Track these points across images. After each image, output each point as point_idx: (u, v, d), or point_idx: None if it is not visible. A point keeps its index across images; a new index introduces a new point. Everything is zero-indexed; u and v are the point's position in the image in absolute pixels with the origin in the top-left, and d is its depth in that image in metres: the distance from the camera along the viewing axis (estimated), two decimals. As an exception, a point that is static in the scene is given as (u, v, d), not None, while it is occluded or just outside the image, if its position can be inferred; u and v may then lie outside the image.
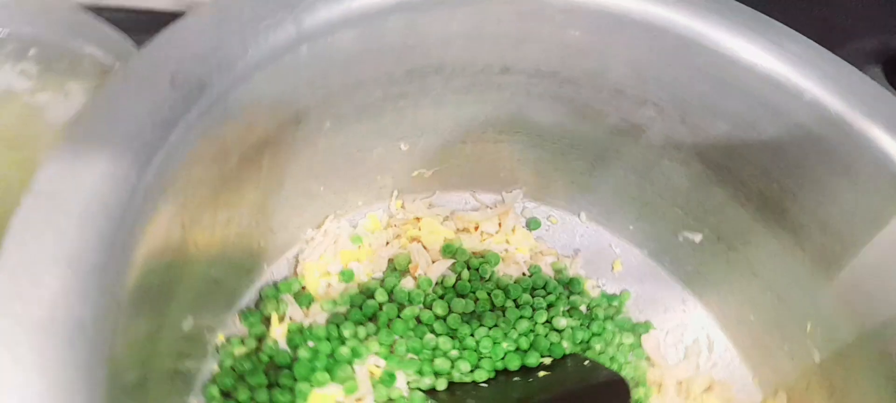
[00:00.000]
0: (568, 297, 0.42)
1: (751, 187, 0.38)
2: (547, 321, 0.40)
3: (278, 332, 0.35)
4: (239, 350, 0.34)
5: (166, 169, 0.23)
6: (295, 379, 0.33)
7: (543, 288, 0.42)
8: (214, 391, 0.33)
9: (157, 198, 0.23)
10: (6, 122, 0.39)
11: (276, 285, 0.38)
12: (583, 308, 0.42)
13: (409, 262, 0.40)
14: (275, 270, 0.39)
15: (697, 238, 0.42)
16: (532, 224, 0.45)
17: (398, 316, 0.38)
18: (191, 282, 0.29)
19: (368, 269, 0.40)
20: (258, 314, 0.36)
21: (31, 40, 0.43)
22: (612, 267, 0.45)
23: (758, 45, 0.35)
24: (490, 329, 0.39)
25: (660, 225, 0.44)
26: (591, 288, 0.44)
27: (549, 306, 0.41)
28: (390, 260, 0.41)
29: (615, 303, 0.44)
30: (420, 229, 0.42)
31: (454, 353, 0.37)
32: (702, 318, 0.44)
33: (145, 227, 0.22)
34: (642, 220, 0.44)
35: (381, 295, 0.38)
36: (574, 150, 0.42)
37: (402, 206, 0.43)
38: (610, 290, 0.45)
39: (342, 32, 0.32)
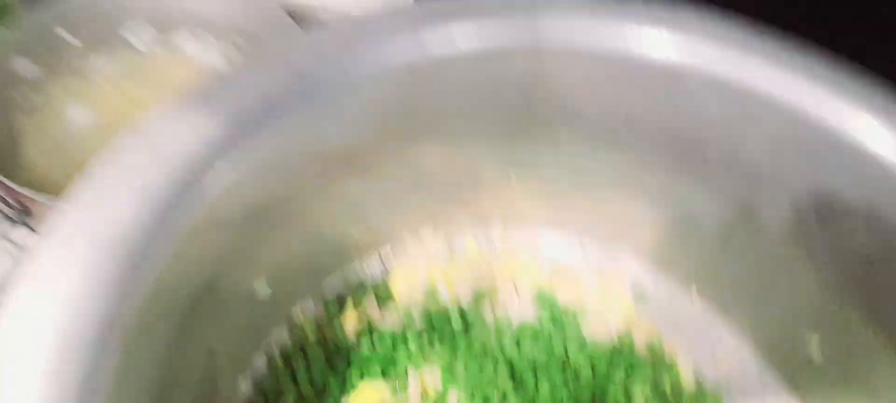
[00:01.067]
0: (653, 373, 0.39)
1: (889, 309, 0.33)
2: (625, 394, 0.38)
3: (350, 322, 0.37)
4: (309, 326, 0.37)
5: (269, 145, 0.26)
6: (349, 366, 0.35)
7: (629, 357, 0.40)
8: (276, 353, 0.36)
9: (252, 168, 0.26)
10: (185, 83, 0.47)
11: (362, 281, 0.40)
12: (667, 388, 0.39)
13: (495, 296, 0.41)
14: (363, 263, 0.41)
15: (816, 349, 0.38)
16: (639, 298, 0.43)
17: (467, 342, 0.38)
18: (273, 249, 0.32)
19: (454, 291, 0.40)
20: (333, 300, 0.38)
21: (239, 29, 0.50)
22: (714, 357, 0.41)
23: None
24: (555, 385, 0.37)
25: (776, 326, 0.39)
26: (685, 370, 0.41)
27: (628, 377, 0.39)
28: (477, 291, 0.41)
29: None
30: (517, 267, 0.42)
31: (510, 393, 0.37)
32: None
33: (227, 191, 0.25)
34: (758, 315, 0.40)
35: (456, 322, 0.39)
36: (694, 224, 0.40)
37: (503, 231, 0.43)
38: (708, 377, 0.41)
39: (464, 61, 0.33)
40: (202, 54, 0.49)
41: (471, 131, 0.37)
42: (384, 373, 0.36)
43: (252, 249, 0.30)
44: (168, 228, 0.23)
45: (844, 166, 0.32)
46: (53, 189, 0.41)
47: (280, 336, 0.37)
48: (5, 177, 0.36)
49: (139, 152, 0.23)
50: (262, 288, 0.33)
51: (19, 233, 0.40)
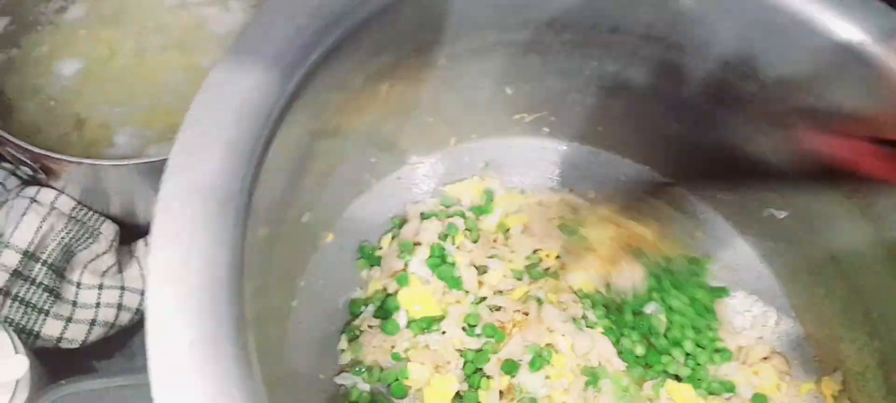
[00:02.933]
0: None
1: (844, 173, 0.39)
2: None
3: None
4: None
5: (305, 83, 0.29)
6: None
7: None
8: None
9: (295, 106, 0.28)
10: (177, 32, 0.47)
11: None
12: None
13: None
14: (382, 187, 0.44)
15: (782, 215, 0.44)
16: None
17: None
18: (312, 182, 0.35)
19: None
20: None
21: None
22: (694, 232, 0.47)
23: (868, 32, 0.35)
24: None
25: (747, 197, 0.45)
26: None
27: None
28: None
29: (696, 267, 0.46)
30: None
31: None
32: (774, 292, 0.45)
33: (285, 128, 0.28)
34: (731, 191, 0.46)
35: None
36: (672, 114, 0.44)
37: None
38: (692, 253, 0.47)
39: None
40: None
41: (470, 49, 0.40)
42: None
43: (300, 182, 0.33)
44: (251, 175, 0.25)
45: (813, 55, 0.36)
46: (58, 144, 0.42)
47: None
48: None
49: (216, 111, 0.25)
50: (306, 217, 0.36)
51: (44, 194, 0.41)
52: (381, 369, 0.39)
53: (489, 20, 0.39)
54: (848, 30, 0.36)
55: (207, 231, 0.23)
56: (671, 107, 0.44)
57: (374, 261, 0.42)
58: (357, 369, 0.39)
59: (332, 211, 0.41)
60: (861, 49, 0.35)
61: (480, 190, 0.46)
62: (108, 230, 0.43)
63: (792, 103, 0.39)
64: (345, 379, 0.39)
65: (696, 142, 0.44)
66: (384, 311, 0.40)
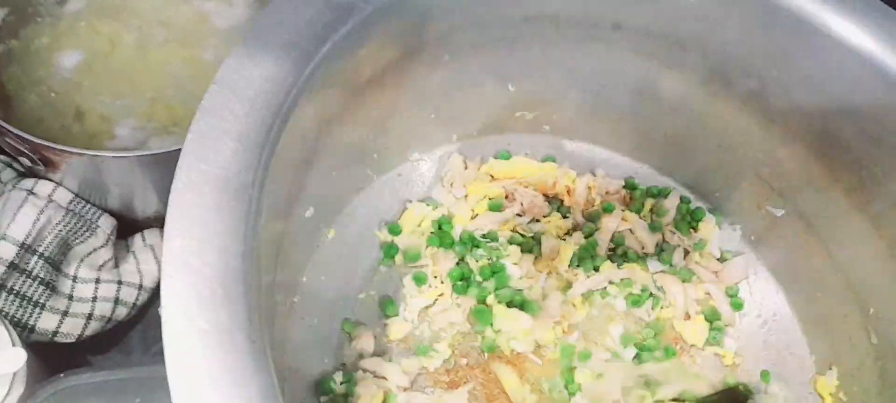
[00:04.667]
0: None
1: (842, 170, 0.40)
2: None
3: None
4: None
5: (315, 76, 0.29)
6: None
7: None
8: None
9: (305, 99, 0.28)
10: (180, 24, 0.47)
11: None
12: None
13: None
14: (383, 183, 0.44)
15: (780, 213, 0.44)
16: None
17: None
18: (316, 176, 0.35)
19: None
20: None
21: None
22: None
23: (867, 31, 0.36)
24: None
25: (745, 195, 0.45)
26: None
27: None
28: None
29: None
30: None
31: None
32: (770, 289, 0.46)
33: (294, 121, 0.28)
34: (728, 188, 0.46)
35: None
36: (672, 110, 0.44)
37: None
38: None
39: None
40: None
41: (474, 45, 0.40)
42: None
43: (305, 177, 0.33)
44: (264, 167, 0.25)
45: (813, 52, 0.37)
46: (59, 136, 0.41)
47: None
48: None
49: (229, 101, 0.25)
50: (309, 213, 0.35)
51: (42, 186, 0.40)
52: None
53: (492, 15, 0.39)
54: (848, 28, 0.36)
55: (221, 221, 0.23)
56: (672, 103, 0.44)
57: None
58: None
59: (334, 207, 0.41)
60: (861, 48, 0.36)
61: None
62: (106, 224, 0.42)
63: (792, 100, 0.39)
64: None
65: (695, 139, 0.45)
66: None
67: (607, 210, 0.47)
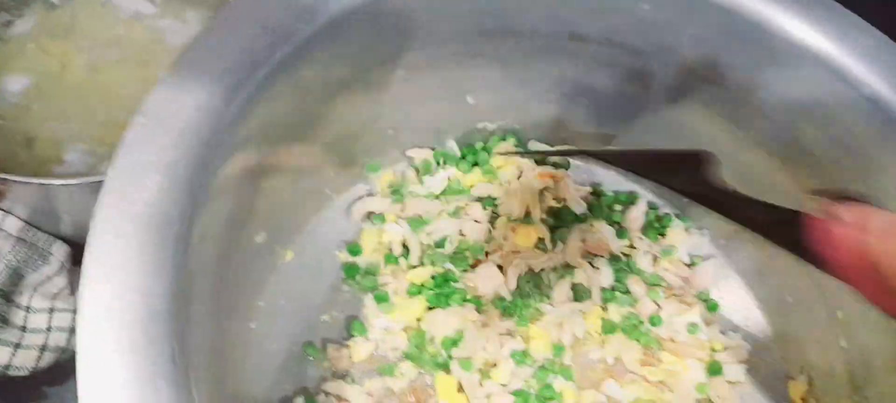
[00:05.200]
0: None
1: (807, 173, 0.39)
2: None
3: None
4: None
5: (252, 102, 0.28)
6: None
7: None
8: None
9: (242, 127, 0.27)
10: (134, 43, 0.46)
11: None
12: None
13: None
14: (343, 201, 0.44)
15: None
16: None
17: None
18: (266, 201, 0.34)
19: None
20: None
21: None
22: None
23: (826, 35, 0.36)
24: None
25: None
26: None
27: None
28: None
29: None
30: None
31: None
32: (740, 293, 0.45)
33: (229, 149, 0.27)
34: (697, 191, 0.45)
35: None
36: (634, 119, 0.44)
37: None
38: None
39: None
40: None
41: (430, 60, 0.39)
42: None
43: (252, 202, 0.32)
44: (193, 199, 0.24)
45: (773, 58, 0.36)
46: (7, 163, 0.40)
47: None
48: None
49: (155, 134, 0.24)
50: (260, 237, 0.35)
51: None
52: None
53: (449, 32, 0.38)
54: (806, 32, 0.36)
55: (143, 261, 0.22)
56: (635, 111, 0.43)
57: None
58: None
59: (291, 229, 0.40)
60: (818, 49, 0.35)
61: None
62: (59, 251, 0.41)
63: (754, 105, 0.39)
64: None
65: (660, 144, 0.44)
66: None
67: (578, 220, 0.46)
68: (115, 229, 0.22)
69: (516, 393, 0.40)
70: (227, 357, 0.34)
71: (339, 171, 0.42)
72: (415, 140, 0.44)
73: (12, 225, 0.40)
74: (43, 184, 0.36)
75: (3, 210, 0.40)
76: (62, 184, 0.36)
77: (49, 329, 0.40)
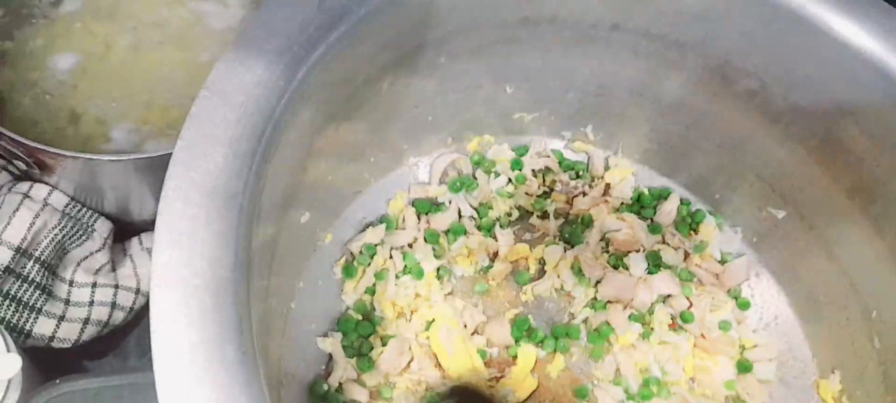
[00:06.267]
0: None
1: (844, 171, 0.39)
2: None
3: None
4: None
5: (308, 80, 0.28)
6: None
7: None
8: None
9: (298, 103, 0.28)
10: (175, 26, 0.46)
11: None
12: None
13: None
14: (381, 187, 0.44)
15: (781, 214, 0.44)
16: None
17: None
18: (312, 181, 0.35)
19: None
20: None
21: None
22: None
23: (870, 32, 0.35)
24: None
25: (745, 197, 0.45)
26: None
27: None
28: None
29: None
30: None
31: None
32: (772, 291, 0.45)
33: (287, 126, 0.27)
34: (729, 190, 0.46)
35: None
36: (671, 111, 0.44)
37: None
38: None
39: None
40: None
41: (471, 47, 0.40)
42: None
43: (301, 181, 0.33)
44: (255, 173, 0.25)
45: (814, 52, 0.36)
46: (54, 139, 0.41)
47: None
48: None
49: (219, 108, 0.25)
50: (304, 218, 0.35)
51: (37, 190, 0.40)
52: None
53: (489, 18, 0.39)
54: (849, 28, 0.36)
55: (211, 231, 0.22)
56: (671, 104, 0.44)
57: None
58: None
59: (332, 212, 0.41)
60: (862, 48, 0.35)
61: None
62: (103, 227, 0.42)
63: (793, 100, 0.39)
64: None
65: (694, 140, 0.44)
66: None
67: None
68: (184, 198, 0.23)
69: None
70: (270, 337, 0.35)
71: (378, 156, 0.42)
72: (451, 128, 0.45)
73: (58, 199, 0.41)
74: (90, 160, 0.37)
75: (49, 185, 0.41)
76: (109, 160, 0.37)
77: (91, 303, 0.41)
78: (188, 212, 0.22)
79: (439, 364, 0.40)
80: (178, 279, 0.21)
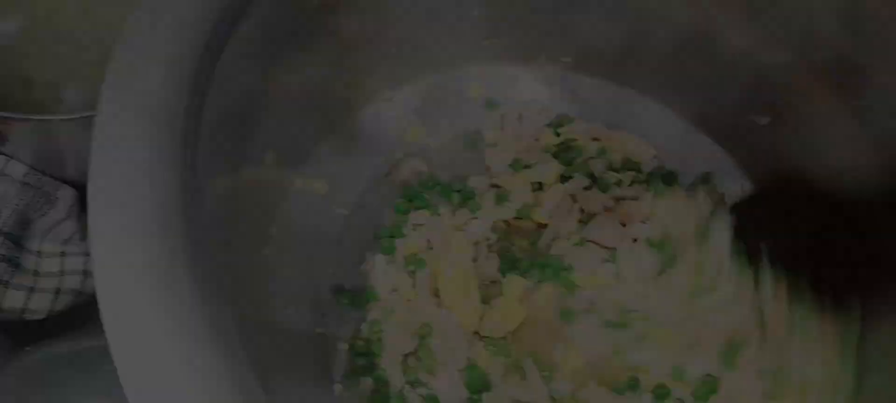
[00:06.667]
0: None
1: (821, 63, 0.38)
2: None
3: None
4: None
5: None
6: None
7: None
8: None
9: (242, 23, 0.26)
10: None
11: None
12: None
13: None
14: (356, 124, 0.42)
15: (763, 121, 0.42)
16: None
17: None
18: (271, 116, 0.33)
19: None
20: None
21: None
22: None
23: None
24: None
25: (728, 103, 0.43)
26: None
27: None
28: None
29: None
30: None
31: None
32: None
33: (234, 44, 0.26)
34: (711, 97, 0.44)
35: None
36: (650, 28, 0.42)
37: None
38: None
39: None
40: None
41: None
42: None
43: (259, 116, 0.31)
44: (197, 94, 0.23)
45: None
46: (3, 105, 0.39)
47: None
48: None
49: (155, 27, 0.23)
50: (267, 155, 0.34)
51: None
52: None
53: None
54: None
55: (152, 152, 0.21)
56: (650, 19, 0.42)
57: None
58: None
59: (300, 152, 0.39)
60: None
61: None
62: (66, 195, 0.41)
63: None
64: None
65: (671, 42, 0.42)
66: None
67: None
68: (120, 120, 0.21)
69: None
70: (248, 286, 0.33)
71: (347, 93, 0.40)
72: (428, 59, 0.43)
73: (16, 169, 0.39)
74: (42, 120, 0.35)
75: (5, 154, 0.39)
76: (61, 119, 0.35)
77: (62, 272, 0.40)
78: (126, 134, 0.21)
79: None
80: (119, 201, 0.20)
